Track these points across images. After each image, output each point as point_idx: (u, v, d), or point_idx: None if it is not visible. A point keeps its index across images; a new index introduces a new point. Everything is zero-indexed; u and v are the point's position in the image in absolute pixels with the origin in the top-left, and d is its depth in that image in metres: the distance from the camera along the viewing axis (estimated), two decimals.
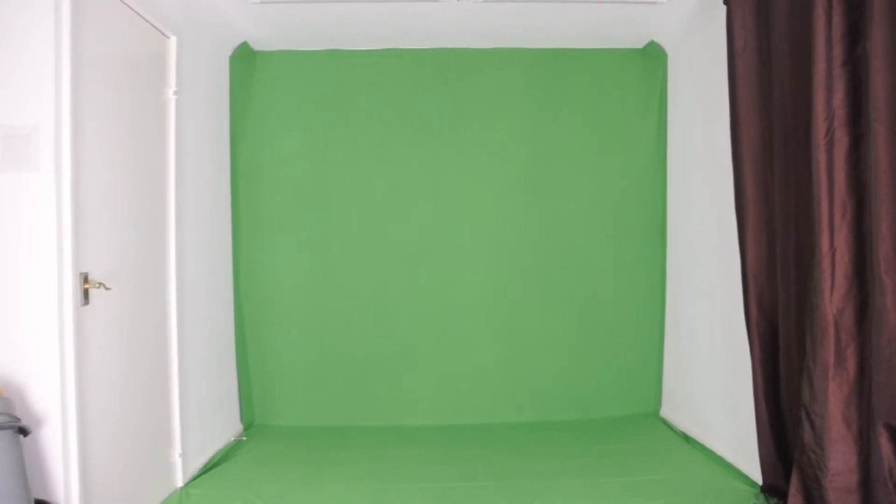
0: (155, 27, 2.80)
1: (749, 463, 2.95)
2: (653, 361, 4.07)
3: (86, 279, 2.26)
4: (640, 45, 4.02)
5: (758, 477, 2.83)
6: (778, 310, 2.63)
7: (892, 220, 2.06)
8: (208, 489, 2.97)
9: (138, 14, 2.63)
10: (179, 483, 2.96)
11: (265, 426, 3.96)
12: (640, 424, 3.87)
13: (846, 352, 2.21)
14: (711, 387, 3.44)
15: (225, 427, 3.67)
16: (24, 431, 1.99)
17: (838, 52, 2.18)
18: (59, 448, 2.12)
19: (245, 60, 3.90)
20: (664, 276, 4.04)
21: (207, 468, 3.21)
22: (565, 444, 3.57)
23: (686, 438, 3.61)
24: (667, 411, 4.01)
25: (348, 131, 4.02)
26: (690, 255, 3.73)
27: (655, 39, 3.95)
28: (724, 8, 2.89)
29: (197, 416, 3.18)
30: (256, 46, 3.95)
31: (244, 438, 3.71)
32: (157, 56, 2.86)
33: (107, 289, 2.34)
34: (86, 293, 2.26)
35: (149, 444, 2.75)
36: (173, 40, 2.94)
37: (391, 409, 4.02)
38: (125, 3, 2.53)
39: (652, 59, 4.02)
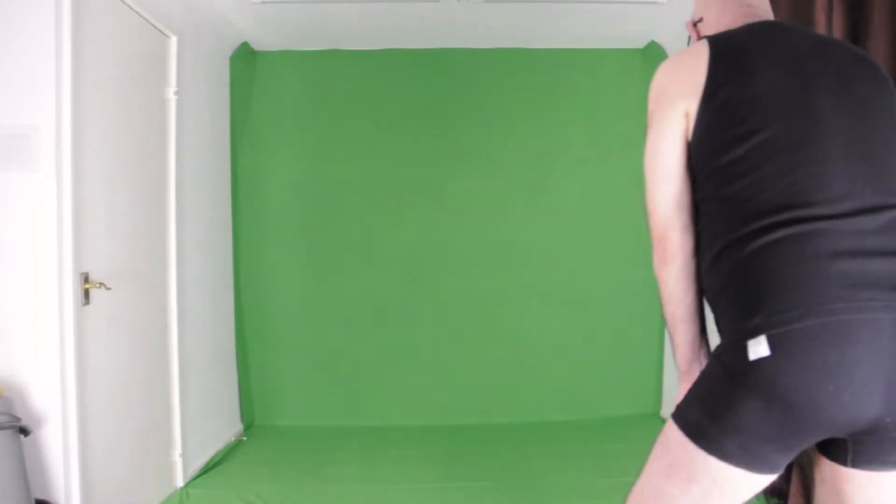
0: (155, 27, 2.79)
1: None
2: (653, 361, 4.07)
3: (86, 279, 2.26)
4: (641, 46, 4.02)
5: None
6: None
7: None
8: (208, 489, 2.97)
9: (138, 14, 2.63)
10: (179, 483, 2.96)
11: (265, 426, 3.96)
12: (640, 424, 3.87)
13: None
14: None
15: (225, 427, 3.67)
16: (24, 431, 1.99)
17: None
18: (59, 448, 2.12)
19: (245, 60, 3.90)
20: None
21: (207, 468, 3.21)
22: (565, 444, 3.57)
23: None
24: (667, 411, 4.01)
25: (348, 131, 4.02)
26: None
27: (655, 39, 3.95)
28: None
29: (197, 416, 3.17)
30: (256, 46, 3.95)
31: (244, 438, 3.71)
32: (157, 56, 2.86)
33: (107, 289, 2.33)
34: (86, 293, 2.26)
35: (149, 444, 2.75)
36: (173, 40, 2.94)
37: (391, 409, 4.01)
38: (125, 3, 2.53)
39: (652, 59, 4.02)
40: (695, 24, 1.44)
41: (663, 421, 4.22)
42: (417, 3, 3.32)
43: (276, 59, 4.00)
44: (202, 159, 3.39)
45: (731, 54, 1.18)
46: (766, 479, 1.09)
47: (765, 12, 1.37)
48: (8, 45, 2.08)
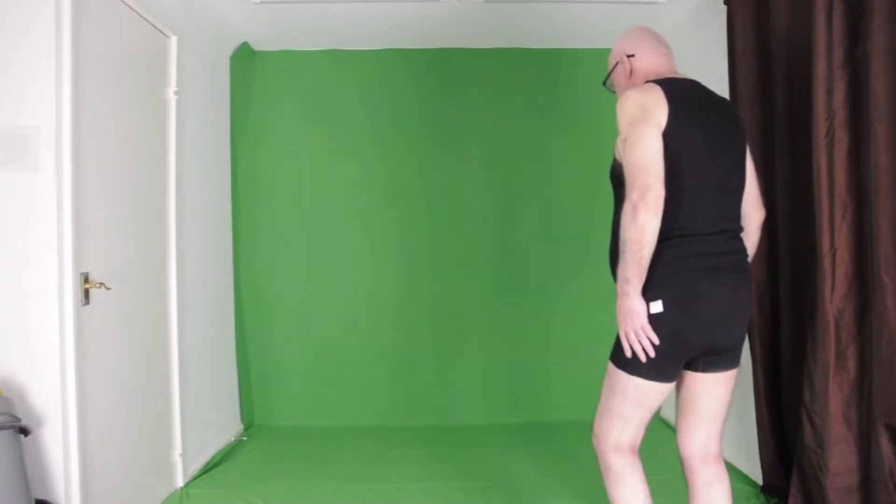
0: (155, 27, 2.79)
1: (749, 463, 2.95)
2: None
3: (86, 279, 2.25)
4: None
5: (758, 477, 2.83)
6: (778, 310, 2.63)
7: (892, 220, 2.06)
8: (208, 489, 2.97)
9: (138, 14, 2.63)
10: (179, 483, 2.96)
11: (265, 426, 3.96)
12: None
13: (846, 352, 2.21)
14: None
15: (225, 427, 3.67)
16: (24, 431, 1.99)
17: (838, 52, 2.18)
18: (59, 448, 2.12)
19: (245, 60, 3.90)
20: None
21: (207, 468, 3.21)
22: (566, 444, 3.57)
23: None
24: (667, 411, 4.01)
25: (348, 131, 4.03)
26: None
27: None
28: (724, 8, 2.89)
29: (197, 416, 3.17)
30: (256, 46, 3.95)
31: (244, 438, 3.71)
32: (157, 56, 2.86)
33: (107, 289, 2.33)
34: (86, 293, 2.26)
35: (149, 444, 2.75)
36: (174, 40, 2.94)
37: (391, 409, 4.02)
38: (125, 3, 2.53)
39: None
40: (629, 57, 2.01)
41: (663, 420, 4.25)
42: (417, 3, 3.32)
43: (276, 59, 4.00)
44: (202, 159, 3.39)
45: (677, 104, 1.75)
46: (668, 387, 1.82)
47: (673, 60, 2.01)
48: (8, 45, 2.08)
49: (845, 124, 2.19)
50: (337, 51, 4.00)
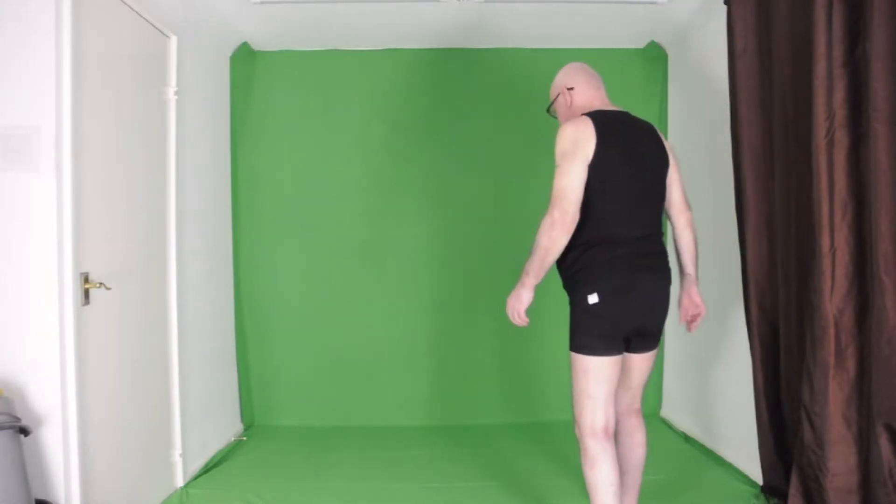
0: (155, 27, 2.79)
1: (749, 463, 2.95)
2: None
3: (86, 279, 2.25)
4: (641, 46, 4.02)
5: (758, 477, 2.83)
6: (778, 310, 2.63)
7: (891, 221, 2.06)
8: (208, 489, 2.97)
9: (138, 14, 2.63)
10: (179, 483, 2.96)
11: (265, 426, 3.96)
12: None
13: (846, 352, 2.21)
14: (712, 387, 3.44)
15: (225, 427, 3.67)
16: (24, 431, 1.99)
17: (839, 52, 2.18)
18: (59, 448, 2.12)
19: (245, 60, 3.90)
20: None
21: (207, 468, 3.21)
22: (565, 444, 3.57)
23: (686, 438, 3.61)
24: (667, 411, 4.01)
25: (348, 131, 4.02)
26: None
27: (656, 39, 3.95)
28: (724, 8, 2.89)
29: (197, 416, 3.17)
30: (256, 46, 3.95)
31: (244, 438, 3.71)
32: (157, 56, 2.86)
33: (107, 289, 2.34)
34: (86, 293, 2.26)
35: (149, 444, 2.75)
36: (173, 40, 2.94)
37: (391, 409, 4.01)
38: (125, 3, 2.53)
39: (652, 59, 4.02)
40: (569, 90, 2.38)
41: (663, 421, 4.25)
42: (417, 3, 3.32)
43: (276, 59, 4.00)
44: (202, 159, 3.39)
45: (603, 135, 2.12)
46: (616, 360, 2.17)
47: (604, 93, 2.39)
48: (8, 46, 2.08)
49: (845, 124, 2.18)
50: (337, 51, 4.00)
